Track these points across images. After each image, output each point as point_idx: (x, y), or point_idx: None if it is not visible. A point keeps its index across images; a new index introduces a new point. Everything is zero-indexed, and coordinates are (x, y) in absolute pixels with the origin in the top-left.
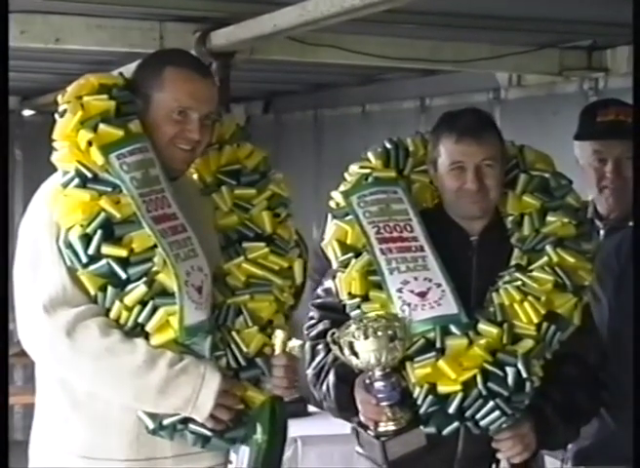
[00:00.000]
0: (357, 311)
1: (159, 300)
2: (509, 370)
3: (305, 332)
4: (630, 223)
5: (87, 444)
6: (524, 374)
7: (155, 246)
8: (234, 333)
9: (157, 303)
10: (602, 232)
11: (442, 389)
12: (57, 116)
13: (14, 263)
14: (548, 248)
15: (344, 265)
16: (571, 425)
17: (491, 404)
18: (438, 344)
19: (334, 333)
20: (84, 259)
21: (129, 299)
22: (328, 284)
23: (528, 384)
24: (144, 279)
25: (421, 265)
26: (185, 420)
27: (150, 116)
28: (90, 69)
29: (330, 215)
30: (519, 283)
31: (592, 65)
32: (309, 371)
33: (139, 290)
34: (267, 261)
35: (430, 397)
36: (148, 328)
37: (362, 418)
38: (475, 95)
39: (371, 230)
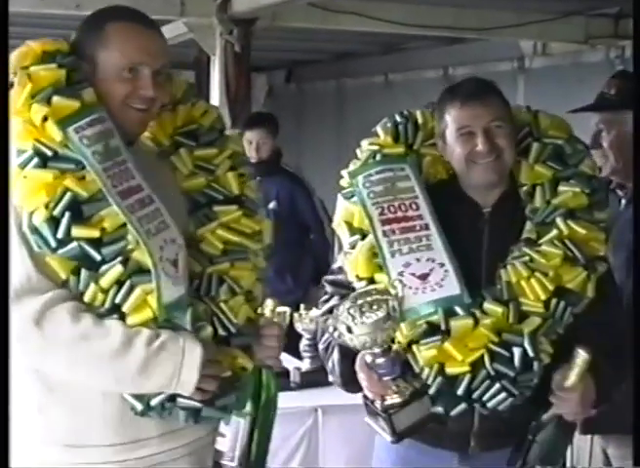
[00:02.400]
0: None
1: (135, 279)
2: (516, 351)
3: (319, 307)
4: None
5: (68, 432)
6: (531, 354)
7: (124, 224)
8: (222, 304)
9: (134, 282)
10: (623, 202)
11: (450, 370)
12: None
13: (14, 261)
14: (559, 220)
15: (352, 247)
16: (616, 384)
17: (497, 385)
18: (443, 326)
19: (327, 319)
20: (53, 244)
21: (105, 281)
22: (341, 261)
23: (536, 363)
24: (119, 258)
25: (425, 245)
26: (173, 397)
27: (99, 79)
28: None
29: (339, 195)
30: (527, 258)
31: (619, 33)
32: (320, 346)
33: (114, 270)
34: (240, 225)
35: (440, 378)
36: (125, 308)
37: (368, 394)
38: (499, 63)
39: (374, 211)
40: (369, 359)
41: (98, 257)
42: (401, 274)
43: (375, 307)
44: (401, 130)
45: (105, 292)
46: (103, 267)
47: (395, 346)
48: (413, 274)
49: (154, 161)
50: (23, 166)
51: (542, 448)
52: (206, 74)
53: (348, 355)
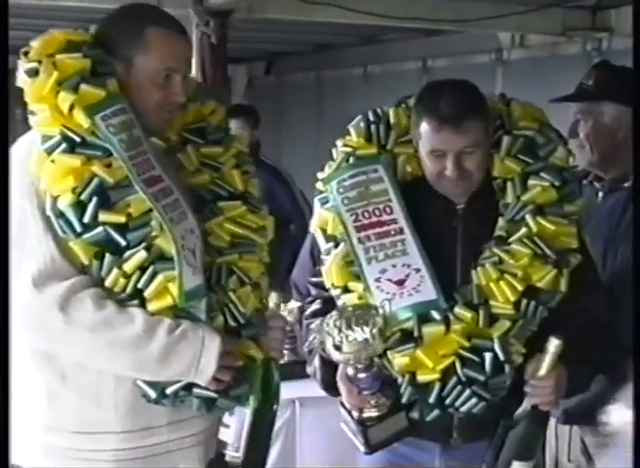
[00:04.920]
0: (340, 301)
1: (158, 266)
2: (486, 355)
3: (304, 308)
4: (625, 184)
5: (79, 418)
6: (502, 358)
7: (151, 210)
8: (230, 293)
9: (157, 269)
10: (600, 194)
11: (421, 378)
12: (23, 75)
13: (34, 246)
14: (528, 217)
15: (327, 254)
16: (589, 376)
17: (468, 391)
18: (416, 333)
19: (312, 329)
20: (78, 228)
21: (128, 266)
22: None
23: (507, 366)
24: (144, 244)
25: (400, 250)
26: (188, 386)
27: (133, 80)
28: (84, 27)
29: (316, 200)
30: (496, 259)
31: (596, 25)
32: (304, 348)
33: (139, 255)
34: (246, 220)
35: (411, 387)
36: (147, 293)
37: (346, 404)
38: (477, 55)
39: (349, 218)
40: (351, 372)
41: (122, 243)
42: (378, 280)
43: (362, 323)
44: (373, 130)
45: (128, 277)
46: (127, 253)
47: (377, 361)
48: (389, 280)
49: (161, 157)
50: (51, 151)
51: (517, 443)
52: None
53: (330, 362)
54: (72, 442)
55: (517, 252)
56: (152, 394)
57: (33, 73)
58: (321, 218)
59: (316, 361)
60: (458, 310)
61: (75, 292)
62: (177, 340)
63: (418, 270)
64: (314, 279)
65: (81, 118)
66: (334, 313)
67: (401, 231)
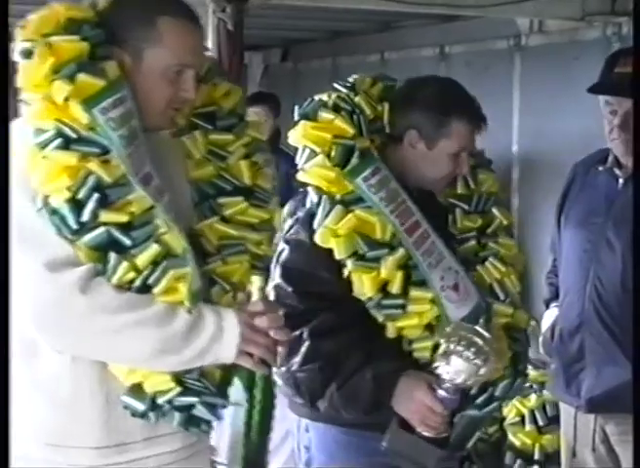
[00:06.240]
0: (396, 310)
1: (169, 262)
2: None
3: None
4: None
5: (53, 429)
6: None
7: (152, 207)
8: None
9: (168, 265)
10: (621, 180)
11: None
12: (18, 56)
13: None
14: (495, 210)
15: (374, 260)
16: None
17: (519, 380)
18: (487, 335)
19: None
20: (74, 226)
21: (141, 260)
22: (324, 273)
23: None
24: (153, 239)
25: (439, 253)
26: (183, 394)
27: (141, 74)
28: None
29: (329, 200)
30: (496, 252)
31: (615, 10)
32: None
33: (152, 249)
34: (246, 216)
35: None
36: (156, 290)
37: (415, 421)
38: (495, 42)
39: (395, 220)
40: (442, 393)
41: (128, 242)
42: (442, 289)
43: (476, 346)
44: (356, 120)
45: (138, 271)
46: (135, 249)
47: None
48: (449, 287)
49: (167, 144)
50: (43, 146)
51: (456, 431)
52: None
53: (387, 377)
54: (48, 454)
55: (507, 243)
56: (140, 406)
57: (27, 54)
58: (360, 221)
59: (367, 375)
60: (499, 307)
61: (93, 277)
62: (197, 317)
63: (457, 272)
64: (315, 288)
65: (78, 112)
66: (454, 331)
67: (428, 233)
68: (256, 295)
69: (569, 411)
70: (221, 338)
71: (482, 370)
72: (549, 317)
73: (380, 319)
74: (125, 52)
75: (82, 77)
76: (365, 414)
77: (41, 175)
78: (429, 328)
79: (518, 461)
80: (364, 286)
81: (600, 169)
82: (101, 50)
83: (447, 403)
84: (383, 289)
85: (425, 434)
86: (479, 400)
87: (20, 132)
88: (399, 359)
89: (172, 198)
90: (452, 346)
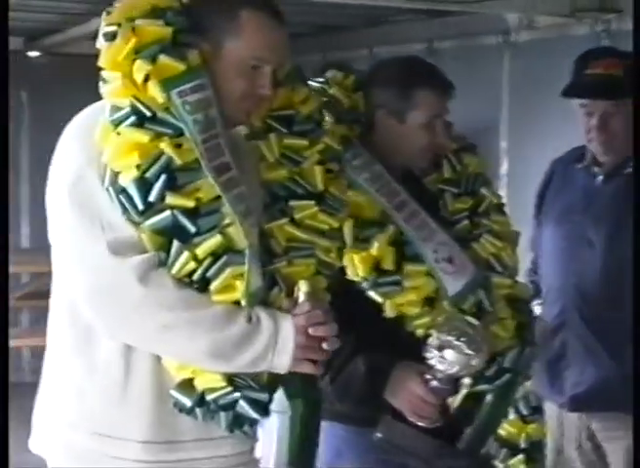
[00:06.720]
0: (393, 287)
1: (230, 257)
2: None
3: None
4: (626, 171)
5: (100, 418)
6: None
7: (219, 197)
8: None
9: (228, 260)
10: (600, 178)
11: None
12: (101, 39)
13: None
14: (484, 190)
15: (365, 240)
16: None
17: (528, 350)
18: (489, 309)
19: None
20: (141, 206)
21: (201, 249)
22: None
23: None
24: (217, 230)
25: (431, 229)
26: (231, 392)
27: (219, 65)
28: (95, 10)
29: None
30: (492, 228)
31: (605, 6)
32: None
33: (214, 239)
34: (316, 221)
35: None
36: (214, 286)
37: (407, 412)
38: (485, 37)
39: (382, 199)
40: (435, 383)
41: (192, 229)
42: (437, 261)
43: (470, 337)
44: (332, 110)
45: (199, 261)
46: (197, 239)
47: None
48: (444, 259)
49: (241, 144)
50: (118, 123)
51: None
52: None
53: (380, 369)
54: (93, 443)
55: (501, 220)
56: (187, 402)
57: (111, 37)
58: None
59: (360, 366)
60: (498, 279)
61: (154, 267)
62: (255, 326)
63: (451, 246)
64: None
65: (156, 91)
66: (446, 322)
67: (419, 211)
68: (302, 300)
69: (553, 409)
70: (275, 349)
71: (474, 361)
72: None
73: (379, 299)
74: (206, 41)
75: (163, 59)
76: (359, 405)
77: (112, 152)
78: (429, 302)
79: (503, 451)
80: (357, 267)
81: (578, 166)
82: (184, 36)
83: (439, 393)
84: (377, 268)
85: (419, 424)
86: (489, 372)
87: (91, 113)
88: (393, 348)
89: (246, 193)
90: (443, 337)
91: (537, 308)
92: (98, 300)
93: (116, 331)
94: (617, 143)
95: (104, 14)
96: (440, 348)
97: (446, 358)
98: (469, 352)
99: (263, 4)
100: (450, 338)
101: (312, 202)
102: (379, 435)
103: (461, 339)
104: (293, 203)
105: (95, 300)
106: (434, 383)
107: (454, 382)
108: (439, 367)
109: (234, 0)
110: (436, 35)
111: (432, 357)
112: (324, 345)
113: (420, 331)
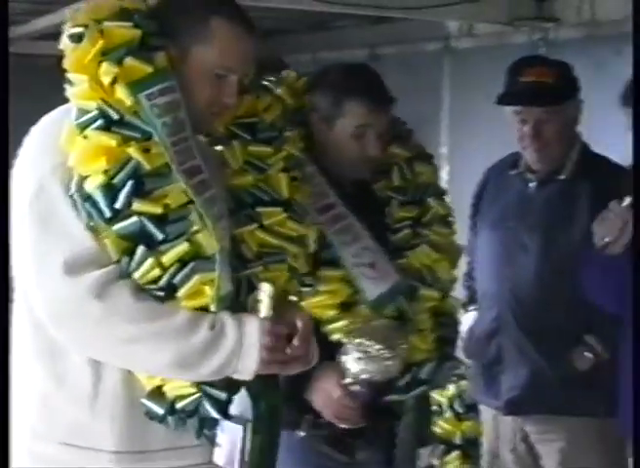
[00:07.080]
0: (306, 288)
1: (198, 264)
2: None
3: None
4: (560, 177)
5: (69, 429)
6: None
7: (190, 202)
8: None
9: (196, 267)
10: (532, 185)
11: (416, 358)
12: (66, 40)
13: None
14: (431, 200)
15: None
16: None
17: (449, 364)
18: (411, 316)
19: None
20: (107, 213)
21: (167, 257)
22: None
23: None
24: (184, 237)
25: (355, 234)
26: (199, 400)
27: (186, 72)
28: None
29: None
30: (430, 239)
31: (542, 15)
32: None
33: (181, 247)
34: (284, 228)
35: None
36: (181, 292)
37: (327, 414)
38: (426, 44)
39: (306, 200)
40: (355, 387)
41: (159, 236)
42: (357, 265)
43: (387, 341)
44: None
45: (164, 268)
46: (164, 246)
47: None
48: (364, 264)
49: (205, 149)
50: (85, 126)
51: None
52: None
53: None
54: (61, 453)
55: (442, 231)
56: (159, 410)
57: (77, 39)
58: None
59: None
60: (425, 291)
61: (112, 281)
62: (218, 333)
63: (375, 253)
64: None
65: (123, 94)
66: (362, 325)
67: (345, 215)
68: (265, 302)
69: (489, 412)
70: (240, 354)
71: (389, 365)
72: (467, 320)
73: (294, 299)
74: (174, 45)
75: (130, 61)
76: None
77: (78, 156)
78: (345, 307)
79: (440, 447)
80: None
81: (512, 173)
82: (152, 39)
83: (358, 396)
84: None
85: (340, 426)
86: (401, 382)
87: (55, 117)
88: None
89: (217, 196)
90: (358, 340)
91: (472, 314)
92: (58, 317)
93: (79, 347)
94: (550, 151)
95: (70, 14)
96: (355, 352)
97: (360, 362)
98: (384, 356)
99: (234, 13)
100: (365, 342)
101: (280, 209)
102: (301, 434)
103: (377, 343)
104: (260, 209)
105: (55, 316)
106: (352, 387)
107: (373, 386)
108: (354, 370)
109: (205, 7)
110: (379, 41)
111: (346, 360)
112: (291, 346)
113: (335, 335)
